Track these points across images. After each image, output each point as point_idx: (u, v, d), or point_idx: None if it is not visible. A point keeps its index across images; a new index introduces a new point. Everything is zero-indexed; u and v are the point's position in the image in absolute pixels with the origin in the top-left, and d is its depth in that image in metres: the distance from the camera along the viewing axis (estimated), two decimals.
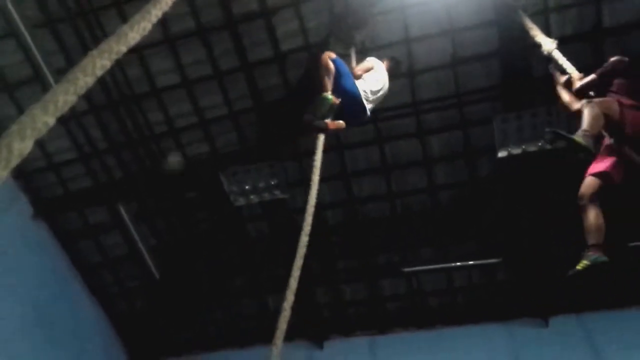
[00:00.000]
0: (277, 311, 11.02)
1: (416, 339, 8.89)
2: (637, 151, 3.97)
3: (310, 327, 9.34)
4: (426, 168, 8.24)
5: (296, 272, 3.24)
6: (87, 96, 7.54)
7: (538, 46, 5.25)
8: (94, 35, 7.33)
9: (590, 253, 3.76)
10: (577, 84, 4.52)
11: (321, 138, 5.16)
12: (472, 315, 8.93)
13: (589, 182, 3.98)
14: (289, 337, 10.65)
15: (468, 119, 7.80)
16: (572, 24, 7.02)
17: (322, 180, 4.74)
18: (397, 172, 8.27)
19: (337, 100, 4.87)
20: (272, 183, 7.98)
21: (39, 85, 7.64)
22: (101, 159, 8.35)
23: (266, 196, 8.05)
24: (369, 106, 5.35)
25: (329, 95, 4.88)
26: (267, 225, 8.92)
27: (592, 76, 4.49)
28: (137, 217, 8.85)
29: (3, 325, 7.41)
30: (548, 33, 6.03)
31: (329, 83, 4.92)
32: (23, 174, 8.22)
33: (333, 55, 5.17)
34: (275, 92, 7.81)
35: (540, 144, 7.10)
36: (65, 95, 1.52)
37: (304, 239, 3.49)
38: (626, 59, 4.57)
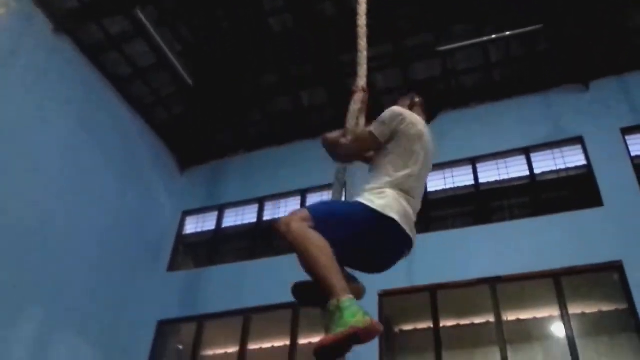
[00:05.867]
0: (311, 107, 11.08)
1: (451, 119, 8.45)
2: None
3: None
4: None
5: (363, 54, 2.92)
6: None
7: None
8: None
9: None
10: None
11: None
12: (508, 89, 8.79)
13: None
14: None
15: None
16: None
17: None
18: None
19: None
20: None
21: None
22: None
23: None
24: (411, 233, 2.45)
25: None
26: (291, 19, 8.49)
27: None
28: (159, 23, 8.53)
29: (52, 143, 7.68)
30: None
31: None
32: None
33: (304, 223, 2.23)
34: None
35: None
36: None
37: (362, 19, 3.05)
38: None
